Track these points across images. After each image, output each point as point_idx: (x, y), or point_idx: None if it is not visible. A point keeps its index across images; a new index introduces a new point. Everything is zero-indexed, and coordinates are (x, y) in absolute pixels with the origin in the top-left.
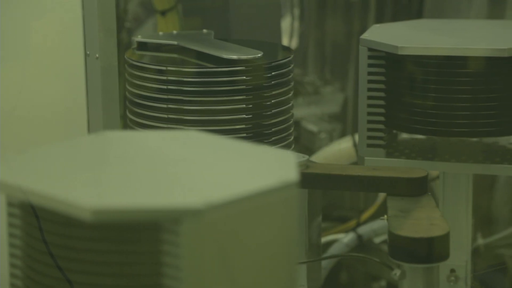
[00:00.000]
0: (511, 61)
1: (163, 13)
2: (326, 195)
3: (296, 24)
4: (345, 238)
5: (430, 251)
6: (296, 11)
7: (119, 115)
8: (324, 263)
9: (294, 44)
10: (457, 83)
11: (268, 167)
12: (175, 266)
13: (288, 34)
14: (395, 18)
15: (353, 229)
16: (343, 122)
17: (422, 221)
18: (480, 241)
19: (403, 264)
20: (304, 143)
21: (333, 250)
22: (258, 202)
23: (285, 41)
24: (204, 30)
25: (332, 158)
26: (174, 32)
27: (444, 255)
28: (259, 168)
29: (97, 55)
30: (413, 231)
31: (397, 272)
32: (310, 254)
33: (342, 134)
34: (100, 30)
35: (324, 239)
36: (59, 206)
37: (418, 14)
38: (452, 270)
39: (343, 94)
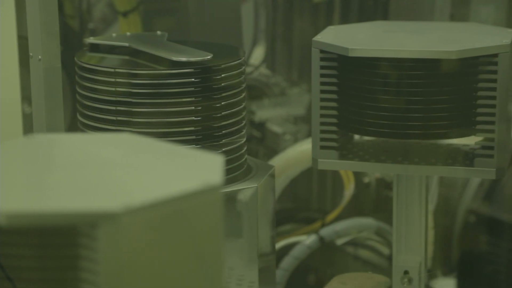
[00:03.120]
0: (460, 63)
1: (125, 14)
2: (292, 196)
3: (263, 25)
4: (307, 240)
5: None
6: (263, 12)
7: (63, 117)
8: (286, 265)
9: (260, 45)
10: (407, 85)
11: (194, 171)
12: (93, 271)
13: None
14: (361, 19)
15: (315, 231)
16: (308, 124)
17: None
18: None
19: None
20: (268, 144)
21: (294, 252)
22: (179, 205)
23: (249, 42)
24: (158, 32)
25: (294, 160)
26: (128, 33)
27: None
28: (185, 171)
29: (39, 57)
30: None
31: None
32: (263, 258)
33: (307, 136)
34: (42, 32)
35: (287, 241)
36: None
37: (383, 15)
38: (406, 272)
39: (309, 95)
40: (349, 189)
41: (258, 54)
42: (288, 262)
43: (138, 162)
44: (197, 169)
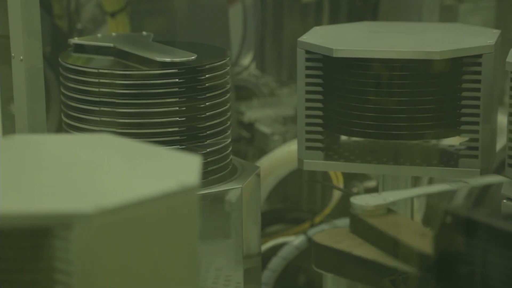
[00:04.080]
0: (445, 64)
1: (113, 14)
2: (282, 197)
3: (252, 25)
4: (295, 241)
5: None
6: (252, 13)
7: (45, 117)
8: (274, 265)
9: (249, 45)
10: (392, 85)
11: (171, 172)
12: (67, 272)
13: (243, 36)
14: (350, 19)
15: (304, 232)
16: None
17: None
18: None
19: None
20: (257, 145)
21: (282, 252)
22: (154, 206)
23: (238, 43)
24: (144, 32)
25: (282, 161)
26: (113, 34)
27: None
28: (161, 172)
29: (21, 58)
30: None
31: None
32: (248, 259)
33: (296, 136)
34: (24, 33)
35: (275, 242)
36: None
37: (373, 15)
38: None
39: None
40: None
41: (247, 55)
42: (276, 263)
43: (115, 163)
44: (174, 170)
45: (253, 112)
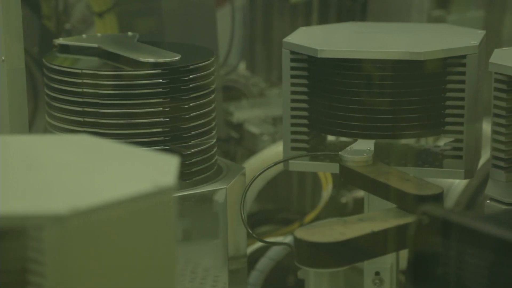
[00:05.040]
0: (429, 65)
1: (100, 14)
2: (271, 197)
3: (241, 26)
4: (283, 241)
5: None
6: (241, 13)
7: (27, 118)
8: (261, 266)
9: (239, 46)
10: (377, 86)
11: (147, 172)
12: (40, 273)
13: (231, 36)
14: (340, 19)
15: (292, 232)
16: None
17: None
18: None
19: (308, 269)
20: (246, 145)
21: (270, 253)
22: (129, 207)
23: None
24: (129, 33)
25: (270, 161)
26: (99, 34)
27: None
28: (138, 173)
29: (3, 58)
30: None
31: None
32: (234, 260)
33: None
34: (5, 33)
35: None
36: None
37: (362, 15)
38: (377, 273)
39: None
40: (327, 190)
41: (236, 55)
42: (264, 263)
43: (92, 164)
44: (151, 171)
45: (242, 113)
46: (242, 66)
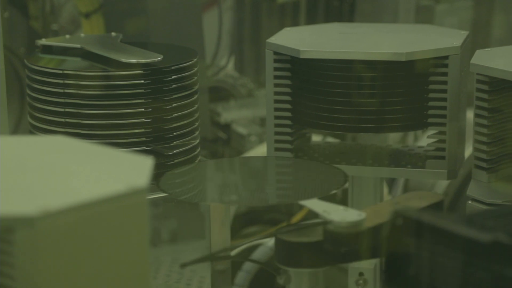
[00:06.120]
0: (411, 65)
1: (87, 15)
2: None
3: (229, 26)
4: (270, 242)
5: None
6: (229, 14)
7: (7, 119)
8: (248, 267)
9: (227, 46)
10: (359, 87)
11: (121, 174)
12: (10, 276)
13: (219, 36)
14: (328, 19)
15: None
16: None
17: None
18: None
19: (288, 269)
20: (234, 146)
21: (256, 254)
22: (101, 208)
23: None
24: (113, 33)
25: None
26: (82, 35)
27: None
28: (111, 174)
29: None
30: (297, 236)
31: (282, 277)
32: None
33: None
34: None
35: (251, 243)
36: None
37: (350, 16)
38: (361, 274)
39: None
40: None
41: (224, 56)
42: (250, 264)
43: (66, 165)
44: (124, 172)
45: (230, 113)
46: (230, 67)
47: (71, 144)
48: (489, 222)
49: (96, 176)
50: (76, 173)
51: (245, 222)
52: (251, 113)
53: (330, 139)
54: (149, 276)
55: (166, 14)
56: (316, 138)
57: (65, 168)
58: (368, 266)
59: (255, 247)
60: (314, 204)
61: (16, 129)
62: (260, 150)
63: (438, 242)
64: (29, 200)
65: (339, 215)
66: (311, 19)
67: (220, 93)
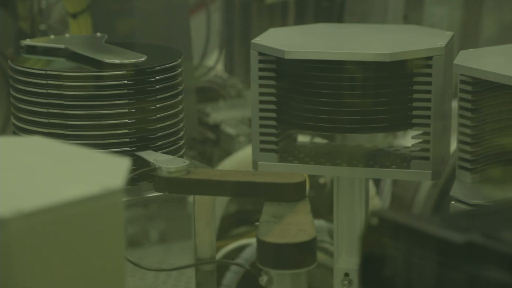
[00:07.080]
0: (395, 66)
1: (75, 15)
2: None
3: (219, 27)
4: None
5: (295, 256)
6: (218, 14)
7: None
8: (235, 268)
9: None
10: (344, 87)
11: (97, 174)
12: None
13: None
14: (317, 20)
15: None
16: None
17: (291, 227)
18: None
19: (270, 270)
20: (223, 146)
21: (244, 254)
22: (75, 210)
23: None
24: (98, 34)
25: (244, 162)
26: (67, 35)
27: (310, 261)
28: (87, 175)
29: None
30: (279, 237)
31: (264, 278)
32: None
33: None
34: None
35: (238, 243)
36: None
37: (339, 16)
38: (346, 274)
39: None
40: None
41: (213, 56)
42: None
43: (42, 166)
44: (101, 173)
45: (219, 114)
46: (219, 67)
47: (48, 145)
48: (464, 222)
49: (71, 177)
50: (51, 174)
51: (234, 222)
52: (240, 114)
53: (317, 140)
54: (124, 278)
55: (154, 14)
56: (304, 139)
57: (40, 169)
58: (353, 267)
59: (243, 248)
60: (147, 154)
61: (3, 130)
62: (248, 151)
63: (413, 242)
64: (2, 201)
65: (167, 162)
66: (300, 20)
67: (209, 94)
